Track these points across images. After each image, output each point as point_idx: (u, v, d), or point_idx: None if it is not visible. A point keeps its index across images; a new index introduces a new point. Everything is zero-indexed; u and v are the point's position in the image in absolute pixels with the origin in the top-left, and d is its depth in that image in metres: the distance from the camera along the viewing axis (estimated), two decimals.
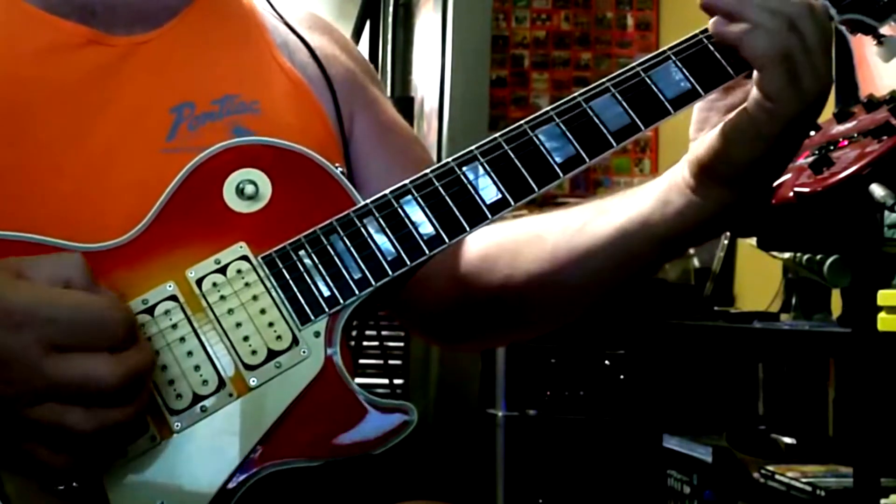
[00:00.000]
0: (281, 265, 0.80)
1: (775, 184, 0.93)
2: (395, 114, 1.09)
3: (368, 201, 0.82)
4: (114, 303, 0.71)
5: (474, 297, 1.01)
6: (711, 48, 0.86)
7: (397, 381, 2.82)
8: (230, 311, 0.79)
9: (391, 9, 3.87)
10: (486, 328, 1.05)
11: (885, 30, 0.92)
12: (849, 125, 1.45)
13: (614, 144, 0.85)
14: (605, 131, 0.85)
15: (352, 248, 0.81)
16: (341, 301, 0.80)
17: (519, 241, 0.98)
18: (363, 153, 1.01)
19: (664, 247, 0.91)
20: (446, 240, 0.82)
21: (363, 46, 3.58)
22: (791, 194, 1.42)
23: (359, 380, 0.82)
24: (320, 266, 0.80)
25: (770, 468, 1.98)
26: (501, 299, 0.99)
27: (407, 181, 0.83)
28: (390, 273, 0.81)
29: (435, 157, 3.06)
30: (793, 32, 0.81)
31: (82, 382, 0.68)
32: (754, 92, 0.82)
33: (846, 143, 1.40)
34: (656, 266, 0.96)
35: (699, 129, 0.89)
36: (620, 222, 0.91)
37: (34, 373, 0.67)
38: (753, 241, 1.80)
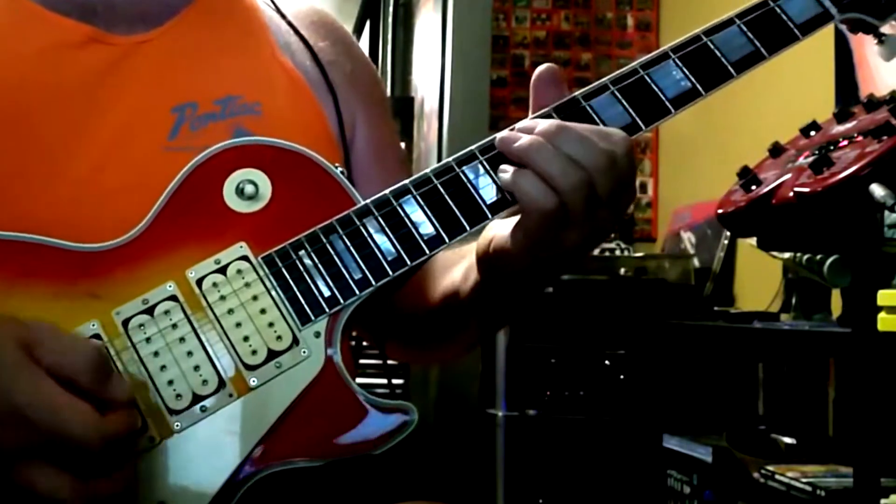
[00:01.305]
0: (281, 265, 0.80)
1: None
2: (392, 132, 1.09)
3: (368, 201, 0.82)
4: (89, 425, 0.69)
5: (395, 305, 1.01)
6: (711, 46, 0.86)
7: (397, 381, 2.82)
8: (230, 310, 0.79)
9: (391, 9, 3.87)
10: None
11: (885, 28, 0.92)
12: (849, 125, 1.44)
13: None
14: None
15: (352, 248, 0.81)
16: (341, 301, 0.80)
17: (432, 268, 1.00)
18: (359, 171, 1.01)
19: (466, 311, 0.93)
20: (446, 239, 0.81)
21: (363, 46, 3.58)
22: (791, 194, 1.42)
23: (359, 380, 0.82)
24: (320, 266, 0.80)
25: (770, 468, 1.98)
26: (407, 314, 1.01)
27: (407, 181, 0.83)
28: (390, 273, 0.81)
29: (435, 158, 3.07)
30: (584, 190, 0.77)
31: (38, 493, 0.68)
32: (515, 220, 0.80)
33: (846, 143, 1.40)
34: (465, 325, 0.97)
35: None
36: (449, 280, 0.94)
37: (3, 471, 0.68)
38: (753, 241, 1.80)
